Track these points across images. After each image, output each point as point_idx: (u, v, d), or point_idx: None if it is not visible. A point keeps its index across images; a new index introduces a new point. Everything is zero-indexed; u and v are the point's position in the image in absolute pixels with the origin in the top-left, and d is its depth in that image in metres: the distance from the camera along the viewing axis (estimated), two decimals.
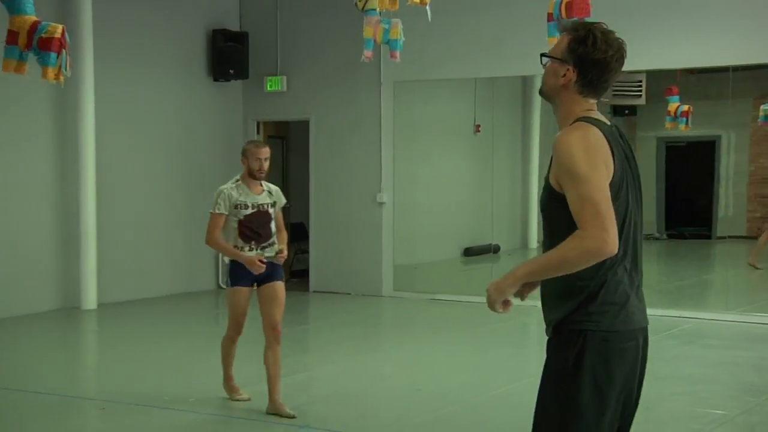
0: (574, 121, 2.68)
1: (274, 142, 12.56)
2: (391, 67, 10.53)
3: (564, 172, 2.57)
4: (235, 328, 5.86)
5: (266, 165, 5.75)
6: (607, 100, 12.59)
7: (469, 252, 12.19)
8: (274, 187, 5.92)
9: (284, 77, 11.77)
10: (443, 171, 12.19)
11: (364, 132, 11.38)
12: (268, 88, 11.84)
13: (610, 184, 2.60)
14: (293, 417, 5.59)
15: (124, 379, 6.87)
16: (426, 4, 5.48)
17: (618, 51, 2.72)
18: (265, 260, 5.62)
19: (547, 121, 12.45)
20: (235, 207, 5.70)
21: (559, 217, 2.62)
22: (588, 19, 6.09)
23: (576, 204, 2.53)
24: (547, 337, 2.76)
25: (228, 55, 11.61)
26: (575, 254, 2.50)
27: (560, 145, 2.59)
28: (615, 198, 2.61)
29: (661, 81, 11.40)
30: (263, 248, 5.71)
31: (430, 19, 5.83)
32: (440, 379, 6.86)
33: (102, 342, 8.92)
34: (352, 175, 11.47)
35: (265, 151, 5.77)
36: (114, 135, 10.53)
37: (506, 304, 2.68)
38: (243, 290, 5.73)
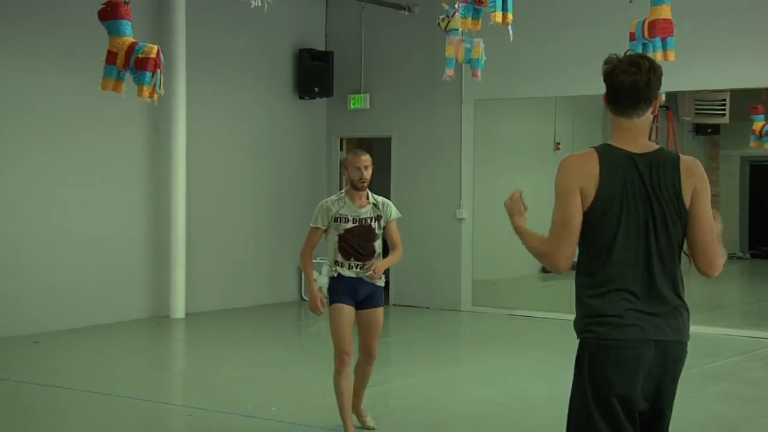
0: (662, 148, 2.96)
1: None
2: (472, 86, 10.50)
3: (706, 192, 2.85)
4: (341, 349, 5.23)
5: (368, 173, 5.31)
6: (689, 118, 12.31)
7: (547, 269, 12.03)
8: (382, 200, 5.43)
9: (367, 95, 11.84)
10: (522, 188, 12.07)
11: (445, 149, 11.35)
12: (352, 106, 11.92)
13: (590, 210, 2.83)
14: (372, 429, 5.56)
15: (209, 386, 6.98)
16: (508, 24, 5.45)
17: (620, 64, 2.86)
18: (364, 276, 5.23)
19: None
20: (335, 220, 5.32)
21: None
22: (671, 39, 5.97)
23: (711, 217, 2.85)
24: None
25: (314, 74, 11.74)
26: (539, 252, 2.94)
27: (701, 168, 2.88)
28: (598, 224, 2.83)
29: (746, 100, 11.09)
30: (364, 267, 5.27)
31: (511, 39, 5.79)
32: (519, 394, 6.77)
33: (189, 350, 9.07)
34: (432, 191, 11.46)
35: (365, 159, 5.34)
36: (204, 150, 10.73)
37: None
38: (343, 308, 5.25)
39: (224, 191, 11.06)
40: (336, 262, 5.33)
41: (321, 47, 12.06)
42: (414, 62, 11.52)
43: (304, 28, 11.98)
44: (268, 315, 10.82)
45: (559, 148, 11.91)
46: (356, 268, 5.30)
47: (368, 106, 11.85)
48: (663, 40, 5.97)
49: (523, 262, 12.17)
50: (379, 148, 12.71)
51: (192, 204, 10.42)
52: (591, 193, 2.85)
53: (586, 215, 2.88)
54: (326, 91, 11.82)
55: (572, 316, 3.00)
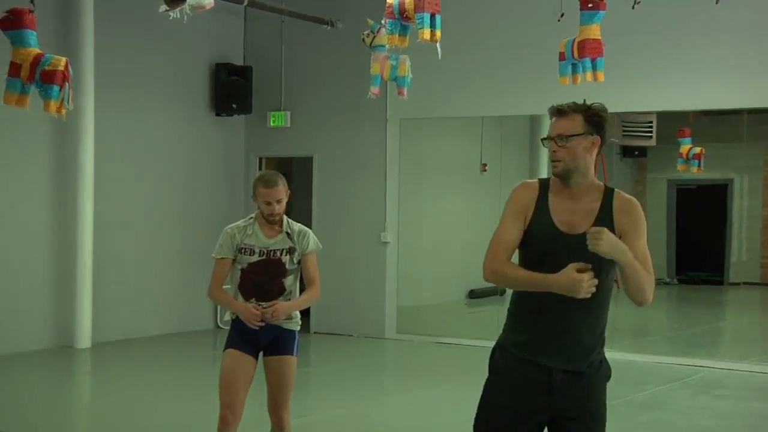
0: (610, 188, 3.39)
1: None
2: (397, 104, 10.58)
3: (638, 231, 3.31)
4: (225, 405, 4.61)
5: (281, 208, 4.73)
6: (617, 140, 12.63)
7: (474, 294, 12.15)
8: (298, 228, 4.84)
9: (288, 113, 11.82)
10: (449, 210, 12.19)
11: (369, 170, 11.39)
12: (272, 124, 11.88)
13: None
14: None
15: (115, 424, 6.80)
16: (436, 41, 5.51)
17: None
18: (262, 319, 4.64)
19: (523, 156, 12.46)
20: (239, 251, 4.75)
21: (608, 265, 3.27)
22: (600, 60, 6.12)
23: (644, 256, 3.29)
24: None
25: (231, 90, 11.67)
26: (648, 286, 3.26)
27: (637, 208, 3.35)
28: None
29: (672, 122, 11.43)
30: (266, 307, 4.66)
31: (440, 57, 5.87)
32: (447, 426, 6.78)
33: (94, 384, 8.85)
34: (355, 214, 11.47)
35: (278, 192, 4.70)
36: (113, 170, 10.55)
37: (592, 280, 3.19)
38: (236, 355, 4.65)
39: (135, 213, 10.87)
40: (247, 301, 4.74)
41: (239, 62, 12.00)
42: (337, 79, 11.55)
43: (221, 42, 11.91)
44: (182, 344, 10.63)
45: (485, 170, 12.07)
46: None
47: (289, 124, 11.82)
48: (593, 60, 6.12)
49: (449, 287, 12.28)
50: (301, 168, 12.69)
51: (100, 226, 10.21)
52: None
53: None
54: (244, 108, 11.76)
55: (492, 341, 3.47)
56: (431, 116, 11.12)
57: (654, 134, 12.04)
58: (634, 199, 3.38)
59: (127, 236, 10.78)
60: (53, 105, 4.97)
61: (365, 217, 11.39)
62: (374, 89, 7.12)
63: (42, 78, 4.95)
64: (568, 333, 3.29)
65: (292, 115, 11.84)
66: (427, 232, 12.00)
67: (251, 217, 4.86)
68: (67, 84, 5.00)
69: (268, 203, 4.72)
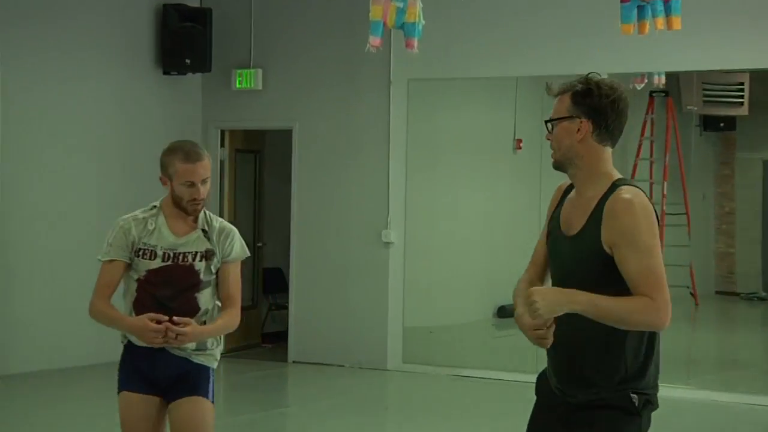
0: (617, 184, 3.56)
1: (245, 158, 12.58)
2: (405, 61, 10.54)
3: (625, 242, 3.46)
4: None
5: (205, 191, 4.53)
6: (696, 108, 12.61)
7: (504, 312, 12.13)
8: (220, 225, 4.62)
9: (259, 71, 11.79)
10: (472, 201, 12.17)
11: (367, 147, 11.37)
12: (238, 86, 11.86)
13: None
14: None
15: None
16: None
17: (621, 92, 3.61)
18: (170, 340, 4.40)
19: None
20: (137, 253, 4.53)
21: (603, 279, 3.49)
22: (676, 1, 6.11)
23: (640, 275, 3.44)
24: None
25: (184, 40, 11.63)
26: (642, 318, 3.44)
27: (623, 213, 3.48)
28: None
29: None
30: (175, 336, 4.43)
31: None
32: None
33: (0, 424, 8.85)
34: (349, 205, 11.45)
35: (204, 167, 4.51)
36: (26, 147, 10.52)
37: (545, 332, 3.50)
38: (132, 399, 4.56)
39: (54, 204, 10.84)
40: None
41: (195, 3, 11.96)
42: (325, 27, 11.51)
43: None
44: (105, 376, 10.59)
45: (520, 147, 12.05)
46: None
47: (260, 87, 11.80)
48: (666, 1, 6.09)
49: (471, 303, 12.26)
50: (276, 145, 12.67)
51: (6, 222, 10.19)
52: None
53: None
54: (201, 65, 11.73)
55: (533, 376, 3.76)
56: (449, 77, 11.09)
57: (746, 101, 12.01)
58: (627, 198, 3.51)
59: (44, 235, 10.74)
60: None
61: (361, 210, 11.37)
62: (374, 40, 7.10)
63: None
64: (566, 359, 3.64)
65: (265, 75, 11.81)
66: (443, 230, 11.98)
67: (154, 206, 4.66)
68: None
69: (191, 184, 4.48)
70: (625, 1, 6.12)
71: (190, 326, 4.40)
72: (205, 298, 4.55)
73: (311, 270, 11.65)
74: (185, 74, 11.88)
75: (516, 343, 11.49)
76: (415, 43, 7.17)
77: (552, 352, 3.67)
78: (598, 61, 9.34)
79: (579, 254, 3.58)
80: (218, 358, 4.66)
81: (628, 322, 3.42)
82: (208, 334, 4.54)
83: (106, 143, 11.32)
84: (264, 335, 12.68)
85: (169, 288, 4.49)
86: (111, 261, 4.56)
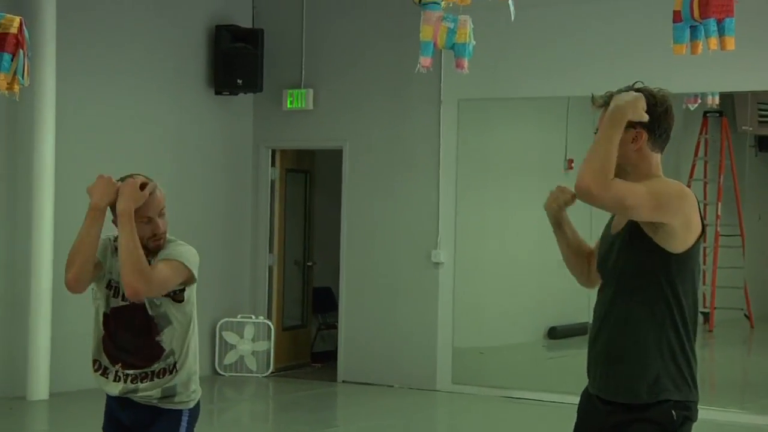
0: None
1: (295, 178, 12.62)
2: (455, 81, 10.55)
3: (652, 189, 3.59)
4: None
5: (163, 224, 4.40)
6: (751, 128, 12.49)
7: (555, 333, 12.07)
8: (169, 249, 4.38)
9: (310, 91, 11.84)
10: (522, 221, 12.12)
11: (417, 167, 11.37)
12: (289, 106, 11.91)
13: (687, 252, 3.64)
14: None
15: None
16: None
17: (670, 100, 3.78)
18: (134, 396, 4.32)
19: (665, 154, 12.35)
20: (107, 285, 4.40)
21: (647, 268, 3.62)
22: (730, 20, 6.06)
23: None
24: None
25: (236, 60, 11.73)
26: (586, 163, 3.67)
27: (663, 182, 3.66)
28: (689, 256, 3.66)
29: None
30: (134, 380, 4.32)
31: (513, 17, 5.83)
32: None
33: None
34: (398, 224, 11.45)
35: (157, 201, 4.38)
36: (80, 165, 10.61)
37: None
38: None
39: (108, 225, 10.91)
40: (96, 365, 4.39)
41: (247, 23, 12.05)
42: (376, 47, 11.55)
43: None
44: None
45: (571, 167, 11.99)
46: (125, 381, 4.33)
47: (311, 106, 11.84)
48: (719, 21, 6.03)
49: (523, 324, 12.20)
50: (326, 165, 12.70)
51: (61, 243, 10.29)
52: (697, 231, 3.67)
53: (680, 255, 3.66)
54: (253, 85, 11.80)
55: None
56: (499, 96, 11.08)
57: None
58: (669, 180, 3.72)
59: None
60: (3, 79, 5.01)
61: (411, 230, 11.37)
62: (425, 60, 7.09)
63: None
64: (596, 352, 3.77)
65: (316, 95, 11.86)
66: (494, 250, 11.94)
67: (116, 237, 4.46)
68: (21, 51, 5.03)
69: (149, 220, 4.34)
70: (677, 21, 6.07)
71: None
72: (166, 338, 4.34)
73: (361, 290, 11.65)
74: (237, 94, 11.97)
75: (567, 365, 11.44)
76: (466, 64, 7.15)
77: (591, 347, 3.79)
78: (650, 81, 9.22)
79: (622, 245, 3.69)
80: (193, 397, 4.44)
81: (597, 158, 3.62)
82: (128, 227, 4.29)
83: (158, 163, 11.40)
84: (313, 354, 12.70)
85: (127, 331, 4.34)
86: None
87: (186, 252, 4.40)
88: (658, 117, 3.70)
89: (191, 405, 4.42)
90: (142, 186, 4.34)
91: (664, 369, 3.59)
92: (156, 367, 4.32)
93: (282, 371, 11.96)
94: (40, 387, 10.08)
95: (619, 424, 3.67)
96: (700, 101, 11.52)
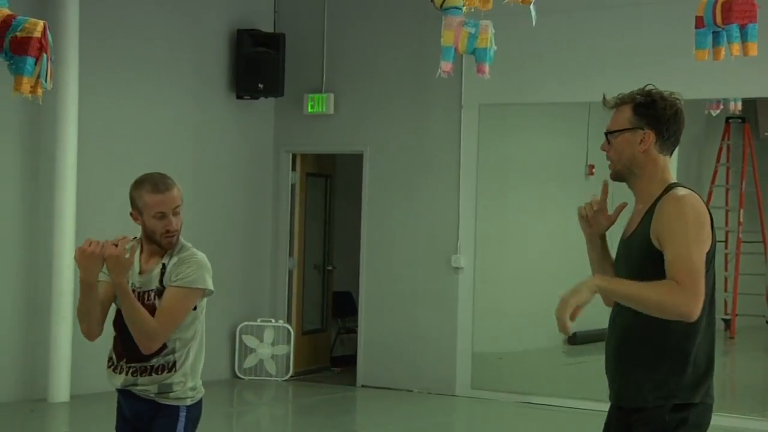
0: (671, 186, 3.66)
1: (316, 182, 12.64)
2: (476, 86, 10.55)
3: (668, 233, 3.52)
4: None
5: (178, 222, 4.45)
6: None
7: (575, 339, 12.05)
8: (181, 257, 4.46)
9: (331, 95, 11.86)
10: (543, 227, 12.11)
11: (438, 172, 11.37)
12: (310, 110, 11.93)
13: (707, 255, 3.57)
14: None
15: None
16: (530, 2, 5.48)
17: (680, 103, 3.75)
18: (135, 391, 4.44)
19: (687, 160, 12.32)
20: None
21: (654, 277, 3.51)
22: (753, 26, 6.04)
23: (675, 261, 3.46)
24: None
25: (257, 65, 11.75)
26: (667, 299, 3.42)
27: (671, 207, 3.56)
28: (707, 269, 3.56)
29: None
30: (134, 373, 4.43)
31: (534, 23, 5.82)
32: None
33: None
34: (418, 229, 11.45)
35: (173, 197, 4.44)
36: (102, 168, 10.67)
37: (574, 312, 3.54)
38: None
39: (129, 226, 10.95)
40: (109, 361, 4.51)
41: (268, 28, 12.07)
42: (397, 52, 11.55)
43: (246, 2, 12.00)
44: None
45: (592, 173, 11.98)
46: (127, 373, 4.43)
47: (332, 111, 11.86)
48: (742, 27, 6.00)
49: (542, 330, 12.17)
50: (346, 169, 12.71)
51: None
52: (709, 241, 3.62)
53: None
54: (274, 89, 11.83)
55: (606, 405, 3.79)
56: (520, 102, 11.08)
57: None
58: (678, 195, 3.61)
59: None
60: (27, 83, 5.03)
61: (431, 235, 11.37)
62: (446, 65, 7.09)
63: (12, 47, 5.01)
64: (611, 362, 3.77)
65: (337, 99, 11.88)
66: (513, 256, 11.93)
67: (136, 237, 4.62)
68: (45, 55, 5.06)
69: (162, 215, 4.41)
70: (699, 27, 6.05)
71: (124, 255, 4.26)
72: (170, 337, 4.41)
73: (380, 294, 11.66)
74: (258, 99, 11.99)
75: (586, 371, 11.41)
76: (487, 69, 7.14)
77: (605, 354, 3.81)
78: (672, 87, 9.21)
79: (631, 252, 3.69)
80: (191, 395, 4.49)
81: (653, 302, 3.44)
82: (128, 298, 4.32)
83: (179, 166, 11.41)
84: (333, 359, 12.71)
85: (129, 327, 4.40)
86: (97, 282, 4.48)
87: (196, 271, 4.42)
88: (667, 119, 3.70)
89: (188, 402, 4.46)
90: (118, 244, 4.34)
91: (672, 374, 3.59)
92: (155, 362, 4.40)
93: (301, 375, 11.97)
94: (60, 389, 10.12)
95: (621, 430, 3.70)
96: (722, 107, 11.49)
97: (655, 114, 3.70)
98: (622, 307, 3.71)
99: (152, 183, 4.48)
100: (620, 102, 3.77)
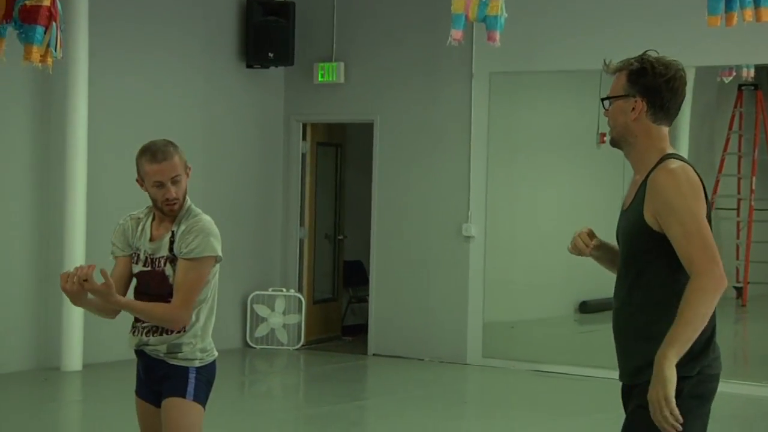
0: (665, 158, 3.59)
1: (326, 151, 12.63)
2: (487, 54, 10.51)
3: (668, 209, 3.47)
4: None
5: (178, 191, 4.49)
6: None
7: (586, 307, 12.05)
8: (189, 225, 4.51)
9: (341, 64, 11.83)
10: (554, 195, 12.09)
11: (448, 140, 11.35)
12: (320, 79, 11.91)
13: None
14: None
15: None
16: None
17: (678, 70, 3.64)
18: (146, 348, 4.55)
19: (699, 127, 12.27)
20: (132, 255, 4.62)
21: (649, 253, 3.56)
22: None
23: (684, 239, 3.45)
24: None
25: (267, 33, 11.72)
26: (707, 296, 3.38)
27: (665, 181, 3.50)
28: None
29: None
30: (147, 333, 4.53)
31: None
32: None
33: (85, 416, 9.00)
34: (429, 198, 11.45)
35: (171, 167, 4.47)
36: (112, 140, 10.67)
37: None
38: (138, 404, 4.74)
39: (140, 199, 10.95)
40: (132, 326, 4.61)
41: None
42: (407, 20, 11.51)
43: None
44: None
45: (604, 141, 11.94)
46: (141, 333, 4.54)
47: (342, 80, 11.83)
48: None
49: (553, 298, 12.19)
50: (357, 138, 12.70)
51: (94, 214, 10.35)
52: (704, 209, 3.56)
53: None
54: (284, 59, 11.80)
55: (615, 372, 3.74)
56: (531, 70, 11.04)
57: None
58: (670, 168, 3.54)
59: None
60: (36, 52, 5.03)
61: (442, 204, 11.37)
62: (456, 33, 7.08)
63: (21, 16, 5.01)
64: (615, 337, 3.73)
65: (347, 68, 11.85)
66: (524, 224, 11.92)
67: (148, 206, 4.71)
68: (54, 24, 5.06)
69: (160, 184, 4.48)
70: None
71: (104, 282, 4.24)
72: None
73: (391, 263, 11.67)
74: (268, 68, 11.97)
75: (598, 339, 11.42)
76: (497, 36, 7.13)
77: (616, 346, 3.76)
78: (684, 53, 9.16)
79: (628, 227, 3.64)
80: (200, 356, 4.55)
81: (703, 310, 3.39)
82: (131, 308, 4.44)
83: (189, 136, 11.43)
84: (344, 328, 12.74)
85: (145, 295, 4.53)
86: (116, 258, 4.65)
87: (202, 240, 4.47)
88: (658, 87, 3.61)
89: (197, 364, 4.53)
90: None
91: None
92: (162, 329, 4.51)
93: (313, 344, 12.01)
94: (73, 358, 10.17)
95: (627, 406, 3.69)
96: (734, 74, 11.43)
97: (645, 82, 3.61)
98: (620, 282, 3.70)
99: (151, 152, 4.52)
100: (619, 68, 3.69)
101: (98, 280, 4.26)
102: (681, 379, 3.42)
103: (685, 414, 3.40)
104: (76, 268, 4.27)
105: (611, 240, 3.90)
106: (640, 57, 3.66)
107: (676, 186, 3.49)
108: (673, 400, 3.35)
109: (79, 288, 4.24)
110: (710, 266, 3.39)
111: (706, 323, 3.42)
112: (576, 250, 3.88)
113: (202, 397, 4.55)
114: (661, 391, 3.35)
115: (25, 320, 10.18)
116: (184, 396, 4.48)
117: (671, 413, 3.35)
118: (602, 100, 3.73)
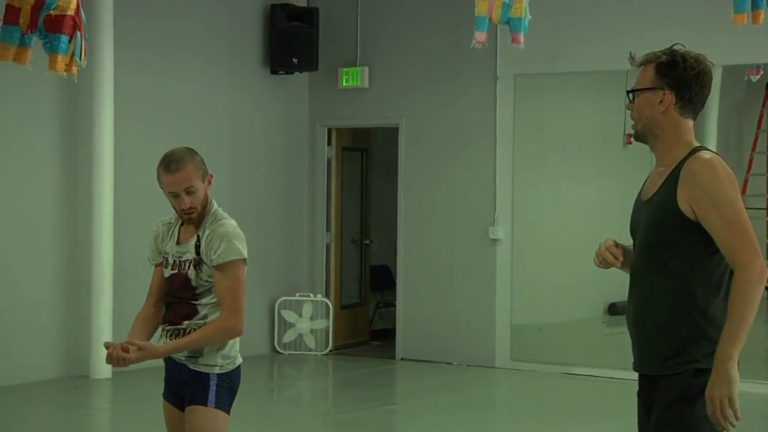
0: (696, 149, 3.61)
1: (351, 156, 12.63)
2: (511, 56, 10.48)
3: (707, 198, 3.48)
4: None
5: (193, 201, 4.52)
6: None
7: (615, 309, 12.00)
8: (212, 231, 4.54)
9: (366, 69, 11.84)
10: (581, 197, 12.05)
11: (473, 143, 11.34)
12: (345, 84, 11.92)
13: None
14: None
15: None
16: None
17: (706, 65, 3.66)
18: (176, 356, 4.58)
19: (727, 127, 12.20)
20: (163, 261, 4.69)
21: (677, 243, 3.56)
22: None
23: (724, 229, 3.45)
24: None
25: (291, 39, 11.74)
26: (752, 287, 3.40)
27: (702, 170, 3.51)
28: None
29: None
30: (171, 335, 4.59)
31: None
32: None
33: (114, 423, 9.03)
34: (455, 202, 11.43)
35: (184, 177, 4.51)
36: (138, 146, 10.70)
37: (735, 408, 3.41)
38: (164, 407, 4.80)
39: (166, 204, 10.99)
40: (163, 331, 4.69)
41: (302, 2, 12.05)
42: (431, 23, 11.51)
43: None
44: None
45: (630, 142, 11.89)
46: (166, 337, 4.61)
47: (367, 84, 11.84)
48: None
49: (582, 300, 12.14)
50: (382, 142, 12.70)
51: (122, 221, 10.39)
52: None
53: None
54: (309, 64, 11.82)
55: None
56: (556, 71, 11.01)
57: None
58: (706, 158, 3.55)
59: None
60: (61, 61, 5.05)
61: (468, 207, 11.35)
62: (480, 35, 7.06)
63: (47, 26, 5.03)
64: (634, 327, 3.72)
65: (371, 72, 11.86)
66: (551, 227, 11.88)
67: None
68: (79, 33, 5.07)
69: (174, 195, 4.55)
70: None
71: (136, 349, 4.36)
72: (204, 304, 4.55)
73: (418, 267, 11.66)
74: (293, 73, 11.99)
75: (627, 341, 11.37)
76: (522, 38, 7.12)
77: (628, 319, 3.78)
78: (711, 52, 9.12)
79: (654, 216, 3.63)
80: (221, 363, 4.56)
81: (753, 303, 3.41)
82: (180, 347, 4.50)
83: (215, 142, 11.47)
84: (372, 332, 12.74)
85: (171, 296, 4.62)
86: (154, 266, 4.73)
87: (227, 245, 4.51)
88: (687, 81, 3.63)
89: (217, 371, 4.54)
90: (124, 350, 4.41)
91: (690, 340, 3.55)
92: (187, 325, 4.53)
93: (341, 349, 12.01)
94: (102, 366, 10.17)
95: (647, 397, 3.72)
96: (762, 72, 11.35)
97: (675, 74, 3.63)
98: (640, 272, 3.70)
99: (166, 163, 4.58)
100: (646, 61, 3.70)
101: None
102: (710, 371, 3.45)
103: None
104: (108, 350, 4.39)
105: (627, 236, 3.92)
106: (669, 50, 3.66)
107: (714, 175, 3.50)
108: (737, 400, 3.40)
109: (123, 365, 4.40)
110: (753, 258, 3.42)
111: (752, 317, 3.43)
112: (604, 264, 3.87)
113: (224, 404, 4.56)
114: (726, 391, 3.38)
115: (54, 328, 10.21)
116: (205, 404, 4.51)
117: (734, 413, 3.39)
118: (628, 92, 3.74)
